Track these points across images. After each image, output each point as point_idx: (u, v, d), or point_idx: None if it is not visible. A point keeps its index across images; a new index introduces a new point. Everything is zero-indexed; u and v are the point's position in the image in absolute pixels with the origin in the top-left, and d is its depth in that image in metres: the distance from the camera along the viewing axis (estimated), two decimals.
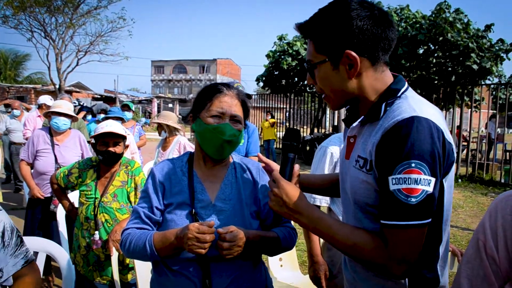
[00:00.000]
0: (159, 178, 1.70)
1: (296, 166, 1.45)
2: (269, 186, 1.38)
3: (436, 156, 1.13)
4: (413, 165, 1.11)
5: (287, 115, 20.97)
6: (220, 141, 1.63)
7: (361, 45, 1.22)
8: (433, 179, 1.12)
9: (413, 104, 1.20)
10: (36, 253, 2.55)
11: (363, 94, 1.29)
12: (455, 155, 1.22)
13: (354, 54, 1.22)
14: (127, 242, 1.64)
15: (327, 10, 1.27)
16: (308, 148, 15.28)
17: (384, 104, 1.25)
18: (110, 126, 2.94)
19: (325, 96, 1.36)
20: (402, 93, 1.27)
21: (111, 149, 2.92)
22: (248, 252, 1.57)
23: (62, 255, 2.52)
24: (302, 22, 1.32)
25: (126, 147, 3.08)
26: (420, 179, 1.11)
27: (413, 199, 1.11)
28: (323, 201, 2.43)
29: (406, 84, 1.31)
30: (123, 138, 3.00)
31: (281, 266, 3.30)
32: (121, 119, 6.14)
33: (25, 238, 2.68)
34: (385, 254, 1.18)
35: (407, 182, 1.11)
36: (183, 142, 4.89)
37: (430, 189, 1.12)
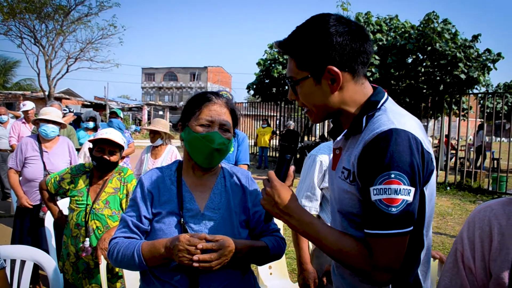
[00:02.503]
0: (147, 186, 1.69)
1: (292, 168, 1.46)
2: (263, 184, 1.39)
3: (415, 167, 1.16)
4: (392, 176, 1.14)
5: (277, 123, 21.01)
6: (209, 150, 1.62)
7: (342, 59, 1.26)
8: (412, 189, 1.16)
9: (392, 116, 1.24)
10: (23, 262, 2.53)
11: (345, 107, 1.32)
12: (434, 164, 1.25)
13: (336, 69, 1.25)
14: (114, 251, 1.62)
15: (306, 27, 1.30)
16: (298, 156, 15.32)
17: (365, 117, 1.29)
18: (109, 133, 2.95)
19: (308, 111, 1.39)
20: (382, 104, 1.30)
21: (106, 156, 2.91)
22: (236, 262, 1.57)
23: (49, 263, 2.50)
24: (282, 40, 1.35)
25: (122, 158, 3.07)
26: (400, 189, 1.14)
27: (393, 209, 1.14)
28: (312, 209, 2.44)
29: (386, 95, 1.34)
30: (120, 147, 2.99)
31: (271, 274, 3.30)
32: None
33: (12, 247, 2.67)
34: (369, 262, 1.20)
35: (387, 192, 1.15)
36: (176, 152, 4.86)
37: (410, 198, 1.15)
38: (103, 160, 2.91)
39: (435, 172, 1.27)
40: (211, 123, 1.65)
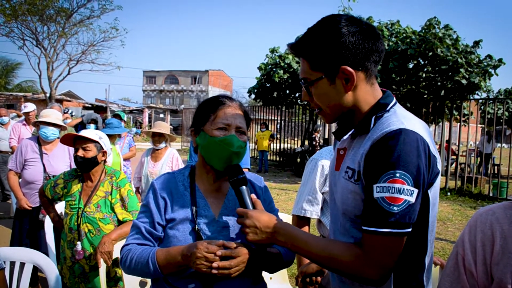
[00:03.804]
0: (160, 192, 1.64)
1: (252, 195, 1.52)
2: (238, 223, 1.43)
3: (420, 168, 1.16)
4: (397, 175, 1.14)
5: (278, 127, 21.02)
6: (228, 153, 1.58)
7: (355, 59, 1.27)
8: (416, 190, 1.16)
9: (401, 117, 1.25)
10: (22, 264, 2.52)
11: (358, 106, 1.33)
12: (440, 167, 1.26)
13: (349, 68, 1.26)
14: (127, 258, 1.58)
15: (318, 28, 1.31)
16: (299, 160, 15.32)
17: (373, 118, 1.29)
18: (81, 132, 2.95)
19: (321, 111, 1.39)
20: (391, 107, 1.31)
21: (79, 153, 2.88)
22: (251, 269, 1.54)
23: (49, 266, 2.49)
24: (295, 42, 1.36)
25: (104, 153, 3.02)
26: (403, 189, 1.14)
27: (395, 208, 1.15)
28: (313, 213, 2.43)
29: (394, 99, 1.36)
30: (94, 142, 2.94)
31: (271, 278, 3.28)
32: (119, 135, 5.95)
33: (12, 249, 2.66)
34: (361, 262, 1.21)
35: (390, 191, 1.15)
36: (176, 155, 4.87)
37: (412, 199, 1.16)
38: (76, 158, 2.89)
39: (440, 176, 1.27)
40: (228, 126, 1.61)
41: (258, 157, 16.44)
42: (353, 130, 1.37)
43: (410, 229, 1.18)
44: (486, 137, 14.78)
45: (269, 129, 17.16)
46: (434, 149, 1.23)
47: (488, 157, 14.57)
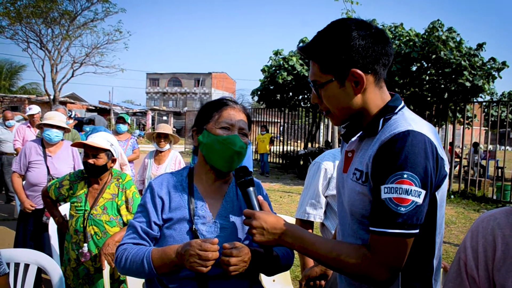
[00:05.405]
0: (158, 192, 1.64)
1: (259, 197, 1.53)
2: (245, 224, 1.43)
3: (428, 170, 1.17)
4: (405, 176, 1.15)
5: (281, 129, 21.02)
6: (231, 152, 1.61)
7: (365, 62, 1.28)
8: (423, 192, 1.16)
9: (409, 120, 1.26)
10: (27, 265, 2.53)
11: (367, 108, 1.34)
12: (447, 169, 1.27)
13: (359, 71, 1.28)
14: (122, 258, 1.57)
15: (328, 32, 1.32)
16: (301, 162, 15.32)
17: (382, 120, 1.31)
18: (92, 138, 2.94)
19: (329, 114, 1.40)
20: (399, 110, 1.33)
21: (90, 160, 2.87)
22: (248, 271, 1.54)
23: (53, 267, 2.50)
24: (305, 45, 1.38)
25: (114, 160, 3.03)
26: (411, 190, 1.15)
27: (402, 209, 1.15)
28: (317, 217, 2.43)
29: (403, 103, 1.37)
30: (106, 150, 2.93)
31: (274, 281, 3.29)
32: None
33: (16, 250, 2.68)
34: (369, 262, 1.21)
35: (398, 191, 1.16)
36: (179, 158, 4.87)
37: (420, 200, 1.16)
38: (86, 164, 2.89)
39: (447, 178, 1.28)
40: (231, 126, 1.64)
41: (259, 160, 16.44)
42: (361, 132, 1.38)
43: (417, 230, 1.18)
44: (472, 149, 14.79)
45: (271, 131, 17.13)
46: (441, 151, 1.24)
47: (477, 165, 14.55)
